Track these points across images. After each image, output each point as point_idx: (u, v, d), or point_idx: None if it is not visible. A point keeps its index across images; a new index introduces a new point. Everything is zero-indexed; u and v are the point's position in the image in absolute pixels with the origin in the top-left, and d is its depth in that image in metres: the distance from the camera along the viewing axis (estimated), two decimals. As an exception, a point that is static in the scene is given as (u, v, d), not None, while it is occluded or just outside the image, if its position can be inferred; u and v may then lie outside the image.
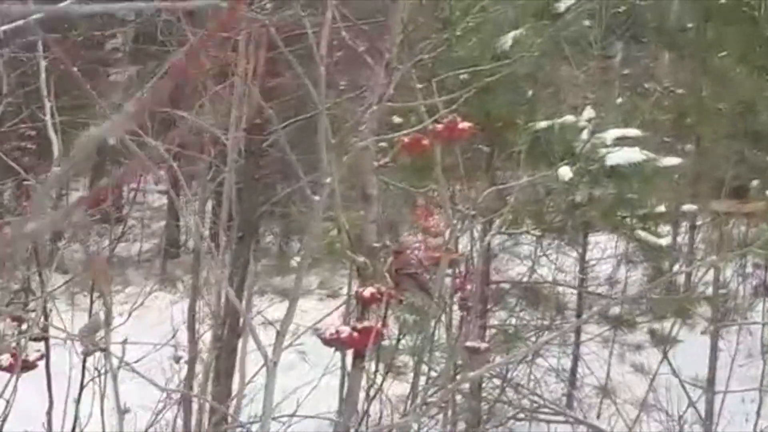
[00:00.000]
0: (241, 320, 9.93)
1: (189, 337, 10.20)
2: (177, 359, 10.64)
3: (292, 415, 9.87)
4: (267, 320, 9.93)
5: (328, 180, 2.67)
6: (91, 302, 5.02)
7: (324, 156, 2.72)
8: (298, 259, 13.82)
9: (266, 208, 9.45)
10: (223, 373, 9.21)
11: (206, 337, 9.21)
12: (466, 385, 8.51)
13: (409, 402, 6.15)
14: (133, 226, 18.08)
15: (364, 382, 10.16)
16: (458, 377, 6.20)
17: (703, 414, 8.30)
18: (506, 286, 9.44)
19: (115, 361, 3.59)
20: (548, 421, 9.97)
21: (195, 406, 9.76)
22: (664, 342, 9.15)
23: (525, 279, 9.55)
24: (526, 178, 7.55)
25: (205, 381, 9.88)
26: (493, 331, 9.07)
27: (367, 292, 4.03)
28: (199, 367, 10.16)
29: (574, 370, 10.74)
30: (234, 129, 9.43)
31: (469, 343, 3.87)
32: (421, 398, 5.25)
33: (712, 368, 8.30)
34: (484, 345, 3.85)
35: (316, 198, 2.62)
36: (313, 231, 2.87)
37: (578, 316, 9.86)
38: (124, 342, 3.66)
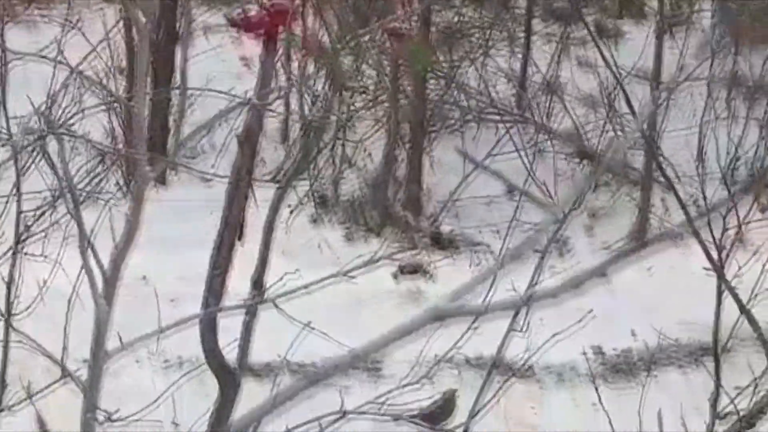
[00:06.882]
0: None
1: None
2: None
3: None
4: None
5: None
6: None
7: None
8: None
9: None
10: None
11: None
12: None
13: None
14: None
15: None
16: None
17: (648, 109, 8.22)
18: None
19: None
20: (497, 122, 9.81)
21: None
22: (611, 35, 8.96)
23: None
24: None
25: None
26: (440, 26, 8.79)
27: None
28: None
29: (524, 69, 10.44)
30: None
31: (390, 25, 3.67)
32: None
33: (658, 62, 8.16)
34: (405, 26, 3.65)
35: None
36: None
37: (527, 11, 9.54)
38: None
